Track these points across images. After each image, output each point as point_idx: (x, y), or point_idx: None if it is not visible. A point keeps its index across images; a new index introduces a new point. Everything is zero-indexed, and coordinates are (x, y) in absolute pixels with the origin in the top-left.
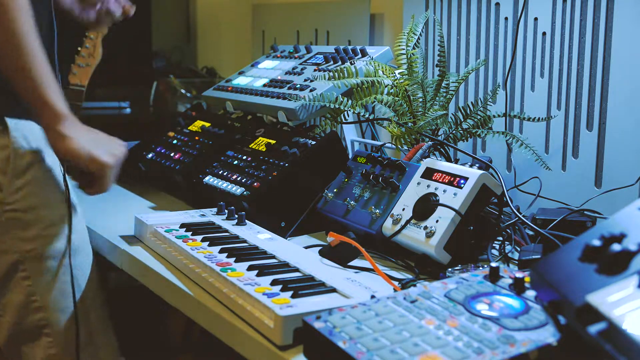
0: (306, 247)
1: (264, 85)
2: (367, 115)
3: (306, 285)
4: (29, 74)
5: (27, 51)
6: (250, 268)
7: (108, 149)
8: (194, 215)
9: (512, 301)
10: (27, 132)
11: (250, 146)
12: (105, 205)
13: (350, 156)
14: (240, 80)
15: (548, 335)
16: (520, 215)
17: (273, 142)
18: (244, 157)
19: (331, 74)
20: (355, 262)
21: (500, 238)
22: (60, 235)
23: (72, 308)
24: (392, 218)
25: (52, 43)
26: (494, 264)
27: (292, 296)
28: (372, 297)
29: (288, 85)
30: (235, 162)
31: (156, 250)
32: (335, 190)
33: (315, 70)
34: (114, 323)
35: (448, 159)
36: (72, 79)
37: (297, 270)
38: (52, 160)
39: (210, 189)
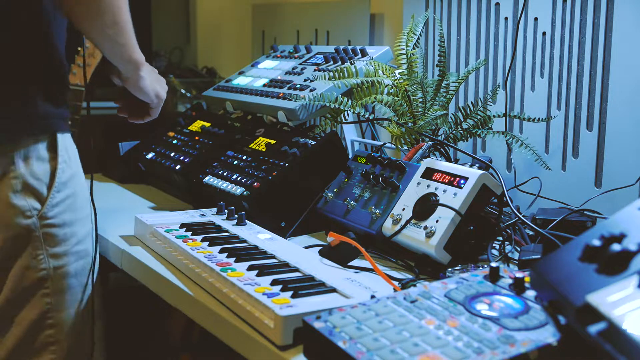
0: (306, 247)
1: (264, 85)
2: (367, 115)
3: (306, 285)
4: (124, 43)
5: (123, 25)
6: (250, 268)
7: (163, 87)
8: (194, 215)
9: (512, 301)
10: (69, 147)
11: (250, 146)
12: (106, 205)
13: (350, 156)
14: (240, 80)
15: (548, 335)
16: (520, 215)
17: (273, 142)
18: (244, 157)
19: (331, 74)
20: (355, 262)
21: (500, 238)
22: (86, 252)
23: (81, 325)
24: (392, 218)
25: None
26: (494, 264)
27: (292, 296)
28: (372, 297)
29: (288, 85)
30: (235, 162)
31: (156, 250)
32: (335, 190)
33: (315, 70)
34: (114, 323)
35: (448, 159)
36: (72, 79)
37: (297, 270)
38: (83, 177)
39: (210, 189)
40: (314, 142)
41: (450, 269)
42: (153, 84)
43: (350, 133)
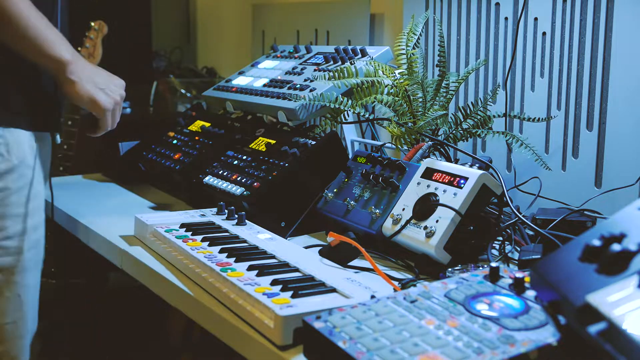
0: (306, 247)
1: (264, 85)
2: (367, 115)
3: (306, 285)
4: (26, 37)
5: (20, 18)
6: (250, 268)
7: (108, 92)
8: (194, 215)
9: (512, 301)
10: (11, 141)
11: (250, 146)
12: (105, 205)
13: (350, 156)
14: (240, 80)
15: (548, 335)
16: (520, 215)
17: (273, 142)
18: (244, 157)
19: (331, 74)
20: (355, 262)
21: (500, 238)
22: (15, 250)
23: (9, 327)
24: (392, 218)
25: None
26: (494, 264)
27: (292, 296)
28: (372, 297)
29: (288, 85)
30: (235, 162)
31: (156, 250)
32: (335, 190)
33: (315, 70)
34: (114, 323)
35: (448, 159)
36: None
37: (297, 270)
38: (30, 174)
39: (210, 189)
40: (314, 142)
41: (450, 269)
42: (88, 87)
43: (350, 133)
